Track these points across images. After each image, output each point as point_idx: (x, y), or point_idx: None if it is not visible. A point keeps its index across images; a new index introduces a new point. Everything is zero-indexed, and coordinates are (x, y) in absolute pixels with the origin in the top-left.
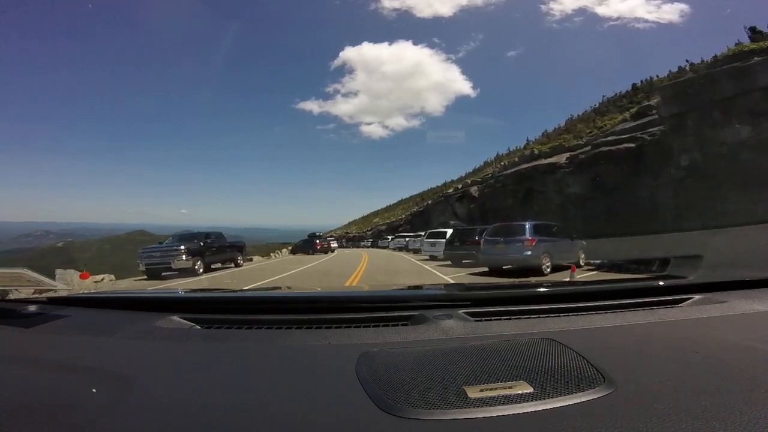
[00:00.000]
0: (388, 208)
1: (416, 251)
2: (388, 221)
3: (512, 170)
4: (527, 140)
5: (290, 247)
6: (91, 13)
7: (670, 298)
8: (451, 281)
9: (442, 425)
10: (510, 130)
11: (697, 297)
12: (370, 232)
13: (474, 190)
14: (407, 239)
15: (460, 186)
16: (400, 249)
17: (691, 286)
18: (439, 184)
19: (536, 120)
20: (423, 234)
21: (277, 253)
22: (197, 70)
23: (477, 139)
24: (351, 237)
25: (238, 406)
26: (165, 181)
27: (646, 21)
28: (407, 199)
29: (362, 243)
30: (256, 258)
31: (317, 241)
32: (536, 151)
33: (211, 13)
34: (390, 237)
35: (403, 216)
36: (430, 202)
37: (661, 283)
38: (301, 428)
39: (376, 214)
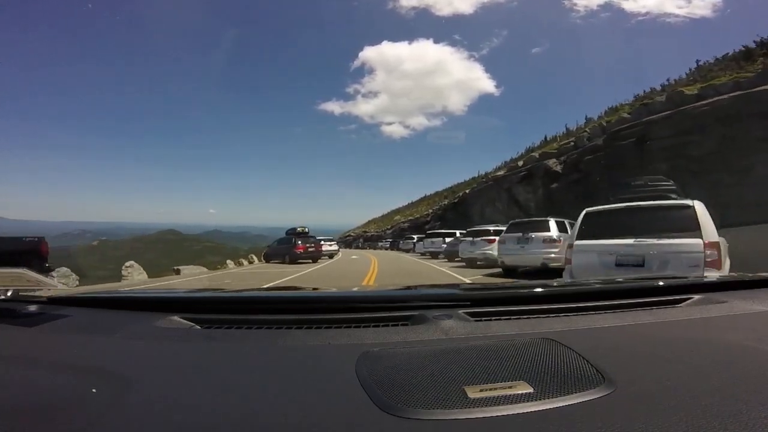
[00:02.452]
0: (411, 205)
1: (473, 263)
2: (411, 218)
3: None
4: (586, 117)
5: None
6: (119, 21)
7: (670, 298)
8: None
9: (442, 425)
10: (534, 127)
11: (697, 297)
12: (390, 231)
13: (553, 163)
14: (448, 240)
15: (520, 164)
16: (433, 254)
17: (691, 286)
18: (467, 179)
19: (557, 117)
20: (506, 229)
21: (250, 258)
22: (224, 76)
23: (501, 136)
24: (368, 237)
25: (237, 406)
26: (194, 183)
27: (677, 16)
28: (432, 195)
29: (380, 244)
30: (188, 271)
31: (299, 243)
32: (696, 90)
33: (233, 18)
34: (415, 237)
35: (431, 211)
36: (467, 191)
37: (661, 283)
38: (301, 428)
39: (397, 211)
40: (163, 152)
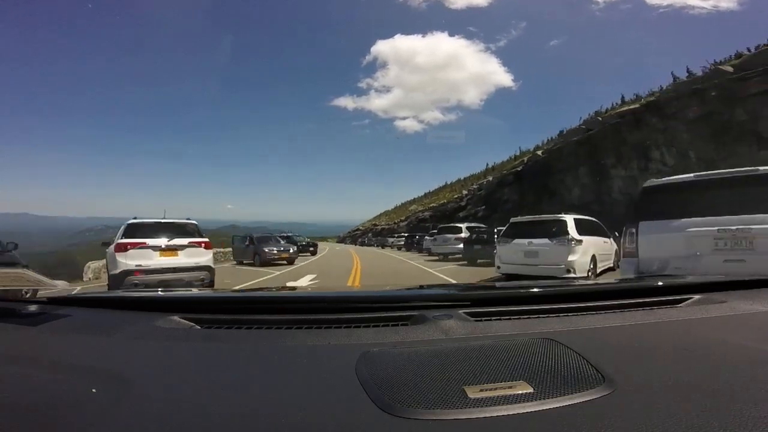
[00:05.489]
0: (429, 195)
1: None
2: (433, 205)
3: None
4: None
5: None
6: (140, 22)
7: (670, 298)
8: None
9: (442, 425)
10: (552, 121)
11: (696, 297)
12: (405, 223)
13: None
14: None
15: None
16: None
17: (691, 286)
18: (496, 163)
19: (575, 110)
20: None
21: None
22: (240, 75)
23: (518, 130)
24: (378, 231)
25: (237, 406)
26: (212, 179)
27: (701, 8)
28: (455, 183)
29: (391, 240)
30: None
31: None
32: None
33: (246, 17)
34: (464, 227)
35: (465, 193)
36: (539, 153)
37: (661, 283)
38: (301, 428)
39: (412, 201)
40: (183, 149)
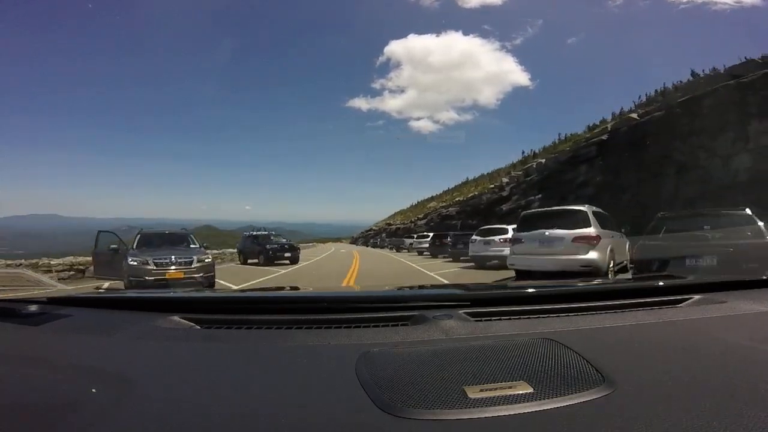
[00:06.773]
0: (448, 192)
1: None
2: (460, 199)
3: None
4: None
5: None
6: (155, 27)
7: (670, 298)
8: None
9: (442, 425)
10: (570, 120)
11: (696, 297)
12: (424, 222)
13: None
14: None
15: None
16: None
17: (691, 286)
18: (535, 151)
19: (594, 110)
20: None
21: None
22: (256, 78)
23: (536, 129)
24: (393, 231)
25: (237, 406)
26: (231, 181)
27: (724, 3)
28: (479, 178)
29: (408, 242)
30: None
31: None
32: None
33: (258, 21)
34: None
35: (506, 180)
36: (635, 117)
37: (661, 283)
38: (301, 428)
39: (431, 199)
40: (203, 152)
